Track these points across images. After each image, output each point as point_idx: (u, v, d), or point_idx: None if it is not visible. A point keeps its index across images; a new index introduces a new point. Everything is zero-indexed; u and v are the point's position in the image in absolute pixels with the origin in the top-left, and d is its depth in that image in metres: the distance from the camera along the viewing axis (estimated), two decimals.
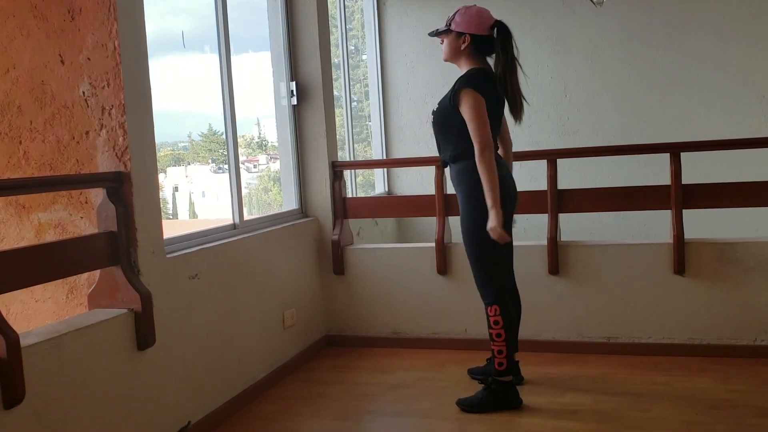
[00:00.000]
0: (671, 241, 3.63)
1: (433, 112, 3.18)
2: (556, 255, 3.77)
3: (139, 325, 2.57)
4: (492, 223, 2.93)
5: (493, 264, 3.07)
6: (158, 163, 2.81)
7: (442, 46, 3.16)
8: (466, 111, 2.97)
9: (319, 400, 3.33)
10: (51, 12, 2.63)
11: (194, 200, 5.40)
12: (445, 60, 3.18)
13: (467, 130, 2.98)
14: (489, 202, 2.93)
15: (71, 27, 2.61)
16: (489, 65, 3.11)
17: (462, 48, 3.07)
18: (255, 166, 5.88)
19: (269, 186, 5.83)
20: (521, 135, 5.56)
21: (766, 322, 3.57)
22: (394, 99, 5.89)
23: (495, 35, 3.06)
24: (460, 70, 3.13)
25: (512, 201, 3.14)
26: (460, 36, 3.07)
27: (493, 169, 2.93)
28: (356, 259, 4.16)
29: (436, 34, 3.17)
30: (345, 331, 4.20)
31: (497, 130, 3.15)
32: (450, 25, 3.10)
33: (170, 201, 5.30)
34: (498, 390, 3.07)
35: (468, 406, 3.09)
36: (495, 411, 3.04)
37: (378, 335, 4.12)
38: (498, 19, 3.08)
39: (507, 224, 3.14)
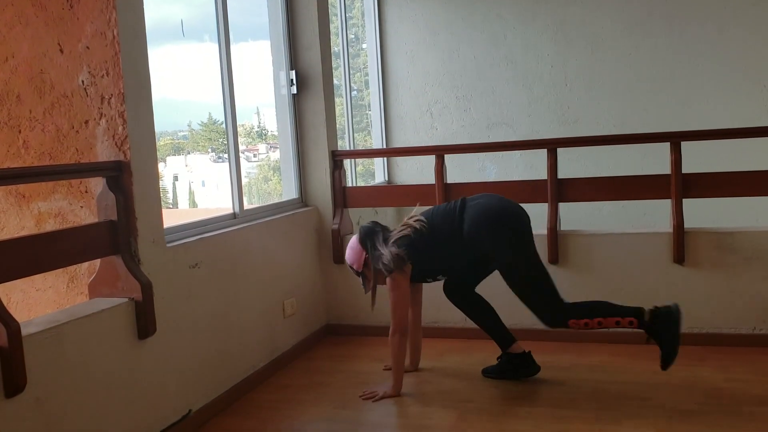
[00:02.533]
0: (671, 231, 3.63)
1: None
2: (556, 244, 3.77)
3: (139, 314, 2.58)
4: (389, 391, 3.16)
5: (542, 280, 3.07)
6: (158, 153, 2.80)
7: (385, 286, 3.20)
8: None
9: (319, 389, 3.34)
10: (49, 0, 2.62)
11: (194, 189, 5.40)
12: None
13: (442, 245, 3.16)
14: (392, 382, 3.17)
15: (70, 15, 2.60)
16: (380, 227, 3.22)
17: (378, 268, 3.13)
18: (255, 156, 5.88)
19: (269, 175, 5.83)
20: (521, 124, 5.59)
21: (765, 310, 3.57)
22: (394, 88, 5.87)
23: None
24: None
25: (526, 219, 3.17)
26: (367, 265, 3.19)
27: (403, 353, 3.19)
28: None
29: (372, 287, 3.27)
30: (345, 320, 4.21)
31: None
32: (360, 269, 3.22)
33: (170, 190, 5.30)
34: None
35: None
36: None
37: (378, 324, 4.11)
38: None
39: (527, 236, 3.14)
